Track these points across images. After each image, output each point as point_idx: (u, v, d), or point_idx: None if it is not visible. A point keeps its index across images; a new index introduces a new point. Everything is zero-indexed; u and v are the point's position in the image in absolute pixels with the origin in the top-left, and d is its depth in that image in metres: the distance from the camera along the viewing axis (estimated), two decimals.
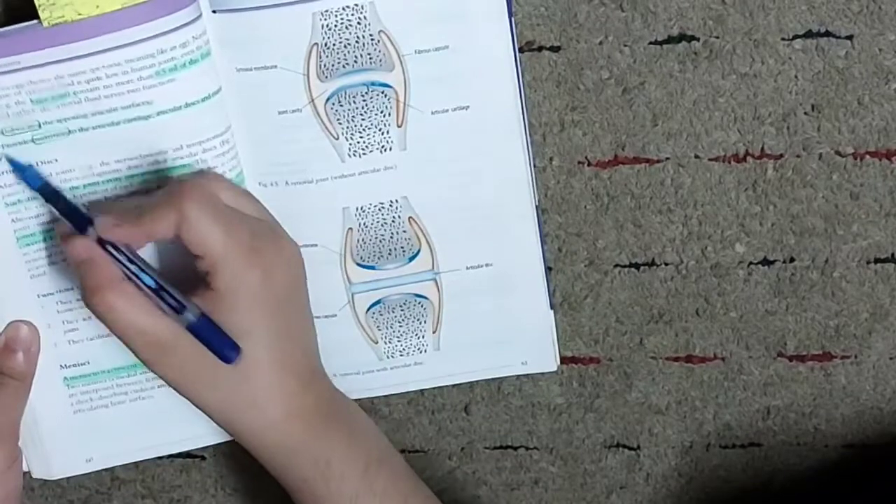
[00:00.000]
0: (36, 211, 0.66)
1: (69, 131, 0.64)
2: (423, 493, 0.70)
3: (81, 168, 0.65)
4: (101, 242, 0.61)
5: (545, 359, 0.73)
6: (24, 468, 0.70)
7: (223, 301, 0.62)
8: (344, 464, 0.66)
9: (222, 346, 0.61)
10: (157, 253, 0.66)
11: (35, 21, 0.62)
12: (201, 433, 0.72)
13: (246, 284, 0.62)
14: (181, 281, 0.62)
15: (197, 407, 0.65)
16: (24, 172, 0.64)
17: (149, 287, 0.61)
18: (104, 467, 0.73)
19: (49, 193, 0.64)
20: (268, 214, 0.66)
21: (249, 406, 0.64)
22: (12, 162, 0.64)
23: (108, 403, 0.71)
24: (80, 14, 0.62)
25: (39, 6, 0.61)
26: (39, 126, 0.64)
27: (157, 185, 0.65)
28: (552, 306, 0.71)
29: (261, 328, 0.63)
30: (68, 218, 0.63)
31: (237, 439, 0.66)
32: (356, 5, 0.63)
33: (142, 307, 0.61)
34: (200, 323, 0.61)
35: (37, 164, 0.65)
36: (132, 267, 0.61)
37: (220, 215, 0.61)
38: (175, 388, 0.64)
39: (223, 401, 0.64)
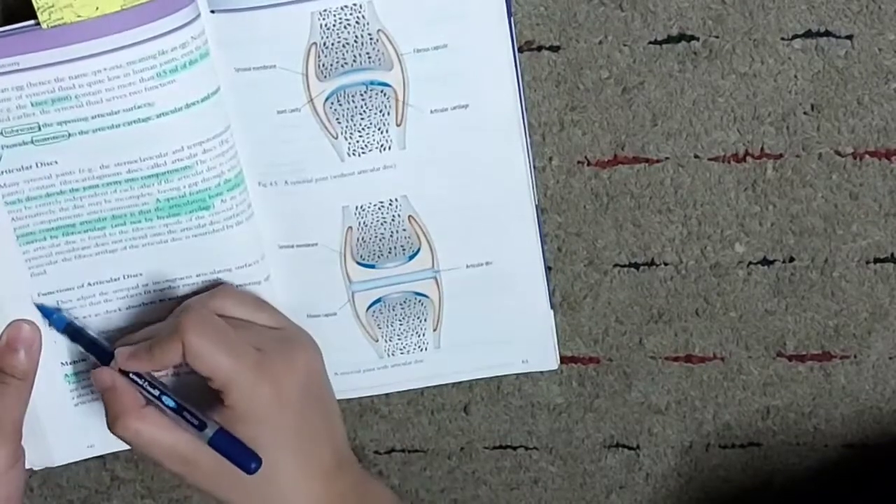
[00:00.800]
0: (36, 210, 0.66)
1: (69, 134, 0.64)
2: None
3: (81, 171, 0.65)
4: (123, 372, 0.66)
5: (545, 358, 0.73)
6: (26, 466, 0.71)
7: (238, 416, 0.65)
8: None
9: (242, 458, 0.64)
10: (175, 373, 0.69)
11: (34, 21, 0.62)
12: None
13: (257, 399, 0.64)
14: (201, 394, 0.66)
15: None
16: (50, 316, 0.68)
17: (170, 408, 0.65)
18: (105, 452, 0.73)
19: (73, 333, 0.69)
20: (281, 318, 0.69)
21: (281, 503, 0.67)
22: (41, 307, 0.68)
23: None
24: (79, 16, 0.61)
25: (38, 8, 0.61)
26: (39, 128, 0.64)
27: (156, 188, 0.65)
28: (552, 306, 0.71)
29: (279, 436, 0.65)
30: (92, 353, 0.68)
31: None
32: (355, 4, 0.63)
33: (164, 427, 0.65)
34: (219, 438, 0.64)
35: (37, 166, 0.65)
36: (153, 391, 0.65)
37: (223, 340, 0.64)
38: (209, 494, 0.67)
39: (255, 501, 0.67)
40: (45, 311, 0.68)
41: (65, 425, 0.71)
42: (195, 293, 0.69)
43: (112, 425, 0.66)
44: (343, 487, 0.68)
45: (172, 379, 0.69)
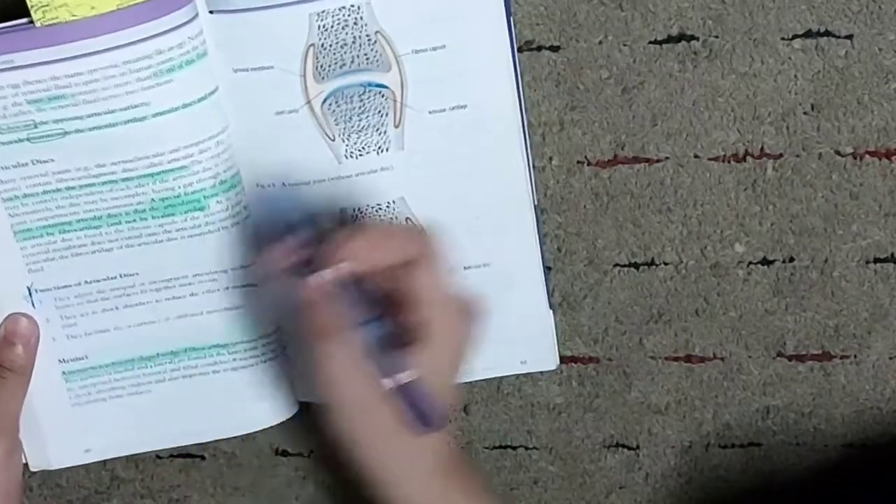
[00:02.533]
0: (32, 207, 0.66)
1: (65, 132, 0.64)
2: None
3: (77, 169, 0.65)
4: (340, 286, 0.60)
5: (545, 358, 0.73)
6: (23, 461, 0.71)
7: (429, 354, 0.61)
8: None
9: (431, 412, 0.60)
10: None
11: (29, 19, 0.61)
12: (200, 429, 0.73)
13: (446, 348, 0.62)
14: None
15: (348, 455, 0.64)
16: None
17: (373, 338, 0.60)
18: (103, 458, 0.73)
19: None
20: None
21: (403, 462, 0.63)
22: None
23: (107, 398, 0.71)
24: (74, 15, 0.61)
25: (32, 7, 0.61)
26: (35, 126, 0.64)
27: (151, 187, 0.65)
28: (551, 306, 0.71)
29: (436, 378, 0.61)
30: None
31: (381, 494, 0.65)
32: (352, 6, 0.63)
33: (356, 362, 0.60)
34: (415, 386, 0.60)
35: (33, 163, 0.65)
36: (360, 316, 0.60)
37: (444, 280, 0.62)
38: (341, 441, 0.63)
39: (379, 457, 0.63)
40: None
41: (62, 426, 0.71)
42: (191, 294, 0.69)
43: (313, 339, 0.60)
44: (453, 449, 0.65)
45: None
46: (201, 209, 0.66)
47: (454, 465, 0.65)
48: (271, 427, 0.73)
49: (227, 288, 0.69)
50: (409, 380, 0.60)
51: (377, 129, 0.66)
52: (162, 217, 0.67)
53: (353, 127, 0.66)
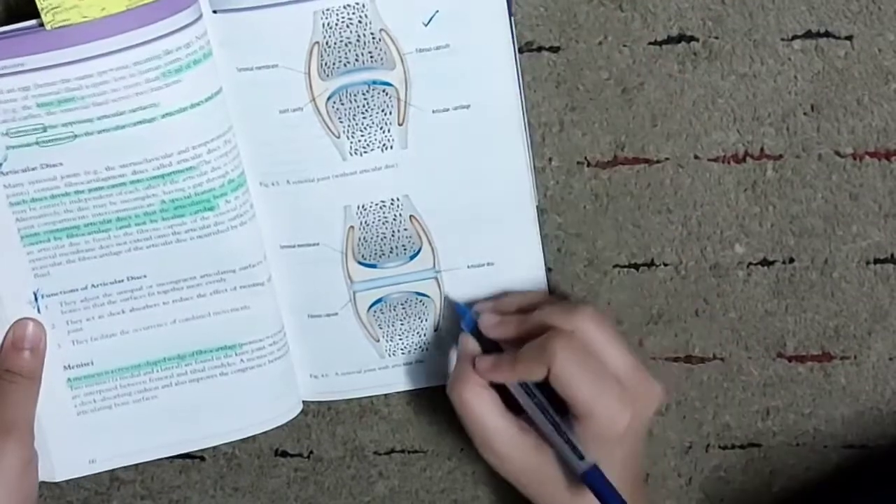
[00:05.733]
0: (40, 211, 0.66)
1: (75, 135, 0.64)
2: None
3: (87, 172, 0.66)
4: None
5: None
6: None
7: (586, 440, 0.64)
8: None
9: (614, 500, 0.63)
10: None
11: (38, 21, 0.62)
12: (205, 434, 0.73)
13: (612, 429, 0.64)
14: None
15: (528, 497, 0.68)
16: (464, 315, 0.69)
17: (550, 421, 0.65)
18: (107, 469, 0.73)
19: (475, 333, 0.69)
20: (628, 350, 0.67)
21: None
22: (457, 305, 0.70)
23: (112, 405, 0.71)
24: (84, 17, 0.62)
25: (42, 9, 0.61)
26: (45, 129, 0.64)
27: (161, 189, 0.66)
28: None
29: (610, 464, 0.64)
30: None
31: None
32: (357, 4, 0.64)
33: (493, 410, 0.66)
34: (595, 475, 0.64)
35: (42, 167, 0.65)
36: (533, 397, 0.66)
37: (589, 369, 0.64)
38: (509, 478, 0.68)
39: None
40: (460, 309, 0.70)
41: (67, 436, 0.71)
42: (199, 295, 0.69)
43: (449, 389, 0.67)
44: None
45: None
46: (211, 209, 0.67)
47: None
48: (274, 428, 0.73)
49: (235, 288, 0.69)
50: (587, 468, 0.63)
51: (381, 127, 0.67)
52: (172, 219, 0.67)
53: (357, 124, 0.67)
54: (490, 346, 0.67)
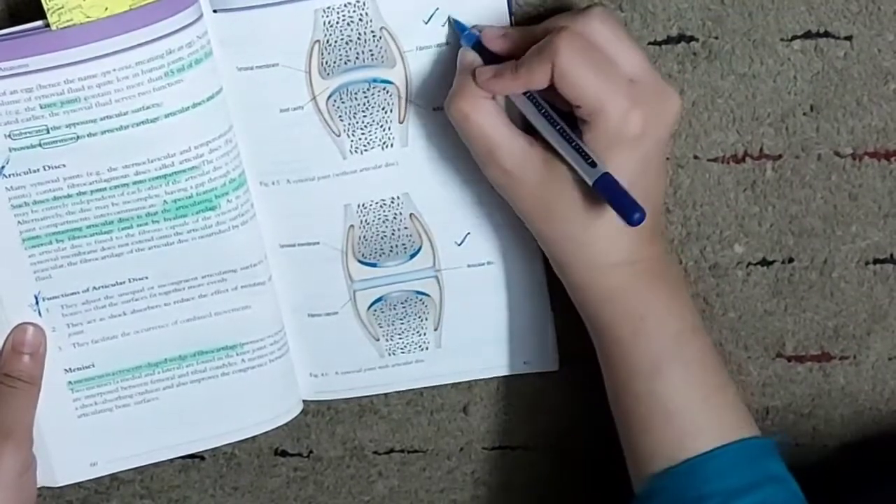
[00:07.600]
0: (42, 214, 0.66)
1: (77, 136, 0.65)
2: (724, 376, 0.67)
3: (89, 174, 0.66)
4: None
5: (545, 358, 0.73)
6: None
7: (600, 145, 0.60)
8: (657, 323, 0.64)
9: (629, 206, 0.59)
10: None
11: (41, 22, 0.62)
12: (206, 435, 0.73)
13: (625, 129, 0.60)
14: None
15: (534, 231, 0.65)
16: (463, 31, 0.64)
17: (560, 134, 0.61)
18: (108, 472, 0.73)
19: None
20: (645, 57, 0.62)
21: (588, 245, 0.63)
22: (456, 22, 0.64)
23: (113, 407, 0.71)
24: (88, 17, 0.62)
25: (48, 9, 0.61)
26: (48, 131, 0.64)
27: (164, 189, 0.66)
28: (552, 306, 0.71)
29: (626, 173, 0.60)
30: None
31: (558, 271, 0.65)
32: (358, 2, 0.64)
33: (498, 124, 0.62)
34: (607, 181, 0.59)
35: (44, 169, 0.65)
36: (540, 108, 0.61)
37: (596, 63, 0.60)
38: (517, 205, 0.64)
39: (562, 233, 0.63)
40: (458, 26, 0.64)
41: (67, 439, 0.71)
42: (200, 295, 0.69)
43: (447, 104, 0.63)
44: (650, 254, 0.64)
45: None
46: (213, 209, 0.67)
47: (658, 271, 0.64)
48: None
49: (237, 288, 0.69)
50: (598, 176, 0.59)
51: (381, 126, 0.67)
52: (174, 219, 0.67)
53: (357, 123, 0.67)
54: (492, 62, 0.62)
